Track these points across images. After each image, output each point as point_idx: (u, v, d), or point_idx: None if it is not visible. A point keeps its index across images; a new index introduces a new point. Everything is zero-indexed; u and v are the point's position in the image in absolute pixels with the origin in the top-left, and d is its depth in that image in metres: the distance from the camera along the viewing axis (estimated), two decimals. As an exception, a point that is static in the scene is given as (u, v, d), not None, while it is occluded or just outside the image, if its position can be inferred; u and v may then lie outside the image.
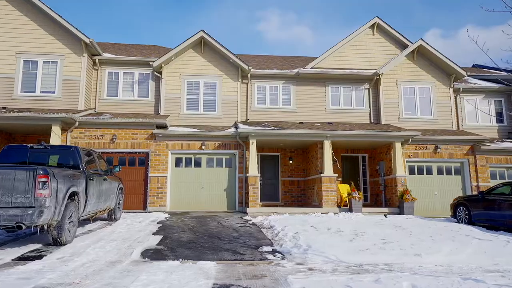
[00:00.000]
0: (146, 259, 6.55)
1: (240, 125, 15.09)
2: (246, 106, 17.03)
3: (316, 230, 9.73)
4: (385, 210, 14.37)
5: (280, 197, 16.74)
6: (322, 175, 14.50)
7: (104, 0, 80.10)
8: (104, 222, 10.73)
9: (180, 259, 6.59)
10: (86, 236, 8.28)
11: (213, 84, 16.72)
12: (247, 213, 13.64)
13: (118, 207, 11.25)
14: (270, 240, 8.83)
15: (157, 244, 7.78)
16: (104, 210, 10.09)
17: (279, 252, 7.48)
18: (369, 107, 17.47)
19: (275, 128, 14.73)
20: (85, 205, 8.31)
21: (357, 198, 13.93)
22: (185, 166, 15.20)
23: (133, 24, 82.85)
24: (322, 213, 13.35)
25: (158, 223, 10.92)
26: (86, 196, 8.35)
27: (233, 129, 15.32)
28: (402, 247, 7.72)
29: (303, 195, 16.77)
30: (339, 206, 14.69)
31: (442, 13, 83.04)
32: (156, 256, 6.76)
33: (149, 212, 13.76)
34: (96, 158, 9.91)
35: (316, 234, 9.02)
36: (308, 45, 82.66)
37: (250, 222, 11.50)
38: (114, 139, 14.56)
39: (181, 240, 8.30)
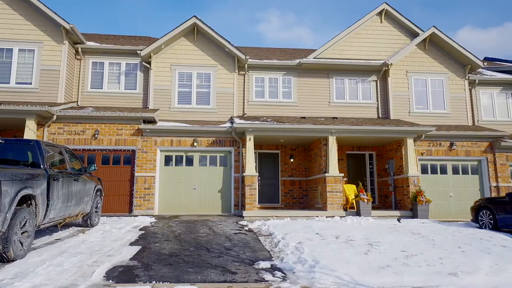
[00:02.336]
0: (110, 281, 5.15)
1: (236, 120, 13.68)
2: (243, 99, 15.62)
3: (323, 238, 8.34)
4: (396, 213, 12.97)
5: (280, 198, 15.33)
6: (326, 174, 13.10)
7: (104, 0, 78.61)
8: (79, 228, 9.33)
9: (154, 282, 5.19)
10: (46, 248, 6.88)
11: (207, 75, 15.31)
12: (243, 217, 12.26)
13: (96, 211, 9.87)
14: (268, 252, 7.43)
15: (130, 259, 6.38)
16: (77, 215, 8.70)
17: (279, 270, 6.07)
18: (377, 100, 16.07)
19: (275, 123, 13.33)
20: (46, 211, 6.91)
21: (366, 200, 12.54)
22: (176, 165, 13.79)
23: (133, 25, 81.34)
24: (327, 217, 11.97)
25: (140, 229, 9.53)
26: (48, 200, 6.95)
27: (228, 124, 13.92)
28: (430, 263, 6.31)
29: (305, 197, 15.37)
30: (345, 209, 13.29)
31: (440, 14, 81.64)
32: (124, 277, 5.35)
33: (135, 216, 12.37)
34: (67, 154, 8.52)
35: (323, 244, 7.63)
36: (308, 45, 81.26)
37: (246, 228, 10.10)
38: (96, 135, 13.15)
39: (162, 253, 6.90)
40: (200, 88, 15.20)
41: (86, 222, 9.50)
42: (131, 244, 7.66)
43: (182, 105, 14.99)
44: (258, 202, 14.40)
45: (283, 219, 11.35)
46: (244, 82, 15.74)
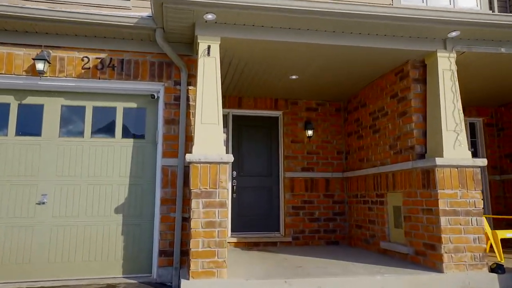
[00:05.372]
0: None
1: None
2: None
3: None
4: None
5: (283, 221, 6.43)
6: (438, 162, 4.27)
7: None
8: None
9: None
10: None
11: None
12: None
13: None
14: None
15: None
16: None
17: None
18: None
19: None
20: None
21: None
22: (-18, 129, 4.63)
23: None
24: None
25: None
26: None
27: (146, 13, 4.85)
28: None
29: (340, 217, 6.55)
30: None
31: None
32: None
33: None
34: None
35: None
36: None
37: None
38: None
39: None
40: None
41: None
42: None
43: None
44: (231, 231, 5.54)
45: None
46: None
